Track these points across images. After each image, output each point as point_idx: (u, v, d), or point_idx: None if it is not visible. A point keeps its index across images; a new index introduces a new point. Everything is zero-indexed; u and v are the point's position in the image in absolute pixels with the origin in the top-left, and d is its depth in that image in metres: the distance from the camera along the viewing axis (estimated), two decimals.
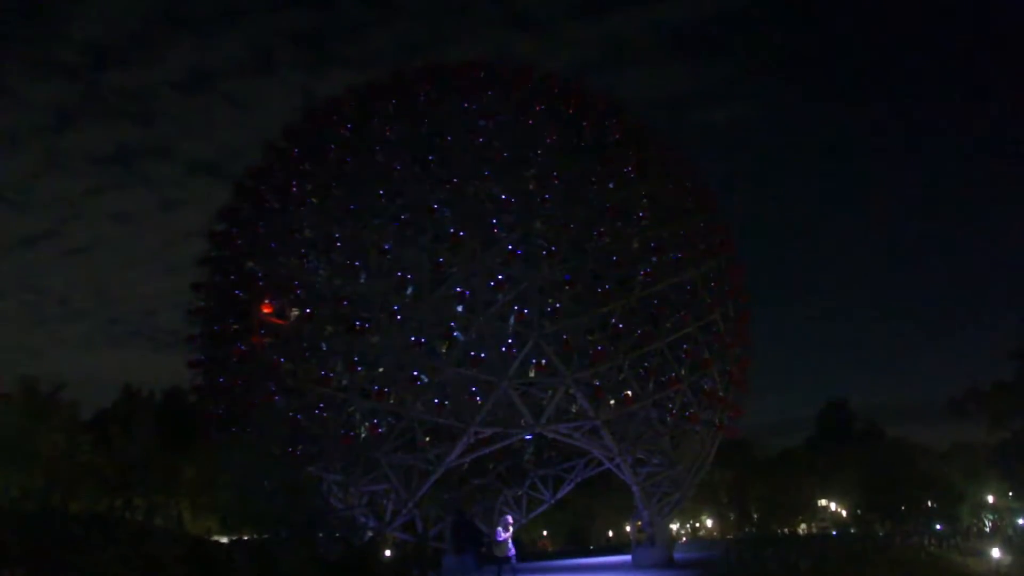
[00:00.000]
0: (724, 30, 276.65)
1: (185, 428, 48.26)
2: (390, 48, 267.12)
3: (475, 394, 43.12)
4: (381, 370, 43.44)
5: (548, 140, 46.00)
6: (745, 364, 49.93)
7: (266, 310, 45.09)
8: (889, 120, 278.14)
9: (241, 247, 46.29)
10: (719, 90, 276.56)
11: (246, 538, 41.64)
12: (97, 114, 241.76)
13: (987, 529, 67.23)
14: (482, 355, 42.46)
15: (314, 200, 45.94)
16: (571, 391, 43.29)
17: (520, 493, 56.96)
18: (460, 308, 43.27)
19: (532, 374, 43.37)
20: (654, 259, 45.65)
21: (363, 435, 44.88)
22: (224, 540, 46.08)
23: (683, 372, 45.53)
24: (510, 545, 39.49)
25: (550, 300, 43.12)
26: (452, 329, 43.24)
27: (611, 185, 46.08)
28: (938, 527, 67.12)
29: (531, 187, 44.61)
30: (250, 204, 47.74)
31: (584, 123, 47.77)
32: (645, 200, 46.95)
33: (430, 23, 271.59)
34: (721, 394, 47.54)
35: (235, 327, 45.59)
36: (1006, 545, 43.93)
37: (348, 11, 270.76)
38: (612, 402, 44.54)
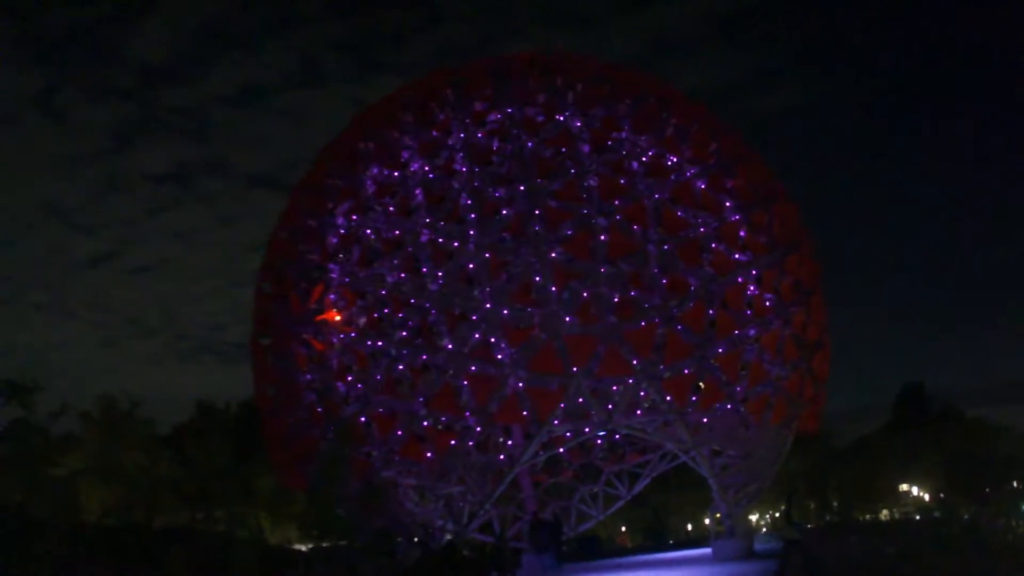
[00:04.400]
0: (775, 15, 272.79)
1: (260, 439, 48.70)
2: (437, 52, 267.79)
3: (547, 392, 43.09)
4: (451, 372, 43.49)
5: (612, 135, 46.03)
6: (823, 355, 49.20)
7: (334, 318, 45.42)
8: (953, 99, 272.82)
9: (305, 256, 46.54)
10: (772, 77, 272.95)
11: (325, 545, 41.97)
12: (154, 133, 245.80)
13: None
14: (551, 353, 42.43)
15: (377, 207, 46.10)
16: (643, 385, 43.04)
17: (596, 490, 56.82)
18: (527, 307, 43.23)
19: (601, 370, 43.22)
20: (719, 247, 45.30)
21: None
22: (304, 548, 46.50)
23: (756, 361, 45.24)
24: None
25: (618, 295, 42.96)
26: (523, 328, 43.18)
27: (673, 177, 45.77)
28: None
29: (592, 183, 44.37)
30: (310, 212, 47.85)
31: (643, 114, 47.30)
32: (713, 193, 46.52)
33: (475, 25, 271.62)
34: (798, 384, 46.99)
35: (303, 336, 45.94)
36: None
37: (392, 18, 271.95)
38: (685, 394, 44.29)
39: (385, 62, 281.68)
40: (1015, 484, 75.58)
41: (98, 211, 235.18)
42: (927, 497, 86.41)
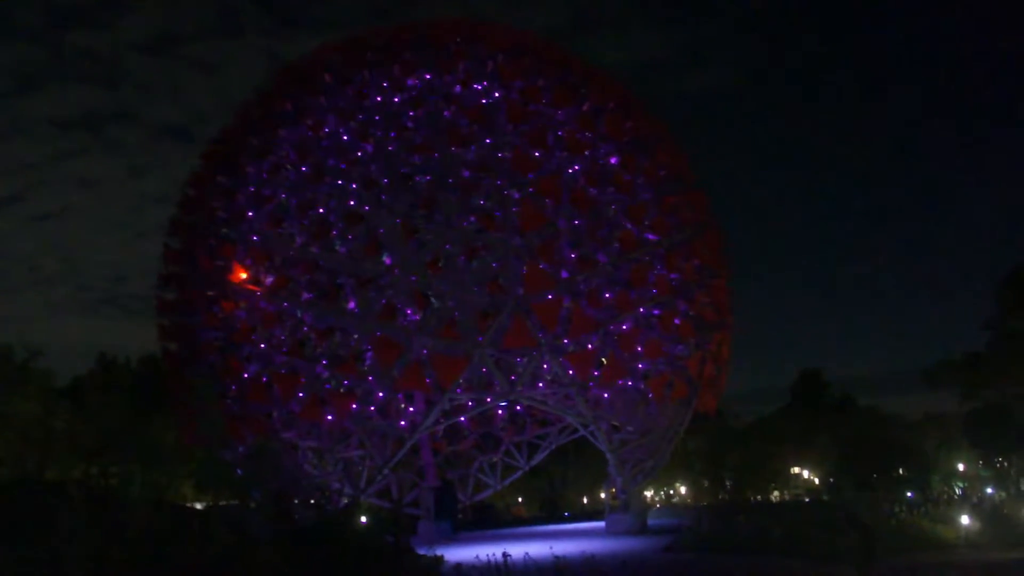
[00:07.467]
0: None
1: (161, 395, 48.12)
2: (358, 10, 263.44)
3: (450, 361, 43.29)
4: (356, 336, 43.45)
5: (530, 107, 46.29)
6: (725, 337, 50.18)
7: (240, 276, 45.03)
8: (869, 85, 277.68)
9: (215, 213, 46.04)
10: (694, 55, 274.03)
11: (223, 504, 41.74)
12: (61, 77, 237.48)
13: (956, 497, 68.05)
14: (457, 322, 42.66)
15: (289, 166, 45.80)
16: (546, 358, 43.47)
17: (495, 460, 57.17)
18: (436, 275, 43.39)
19: (506, 341, 43.56)
20: (629, 226, 45.87)
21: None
22: (199, 506, 46.19)
23: (658, 340, 45.97)
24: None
25: (526, 267, 43.33)
26: (428, 296, 43.35)
27: (587, 153, 46.17)
28: (909, 495, 67.88)
29: (507, 155, 44.59)
30: (223, 169, 47.30)
31: (561, 89, 47.62)
32: (626, 172, 47.08)
33: None
34: (698, 364, 47.90)
35: (209, 293, 45.47)
36: (974, 512, 44.51)
37: None
38: (587, 369, 44.84)
39: (305, 18, 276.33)
40: (901, 471, 77.92)
41: (0, 155, 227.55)
42: (817, 481, 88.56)
